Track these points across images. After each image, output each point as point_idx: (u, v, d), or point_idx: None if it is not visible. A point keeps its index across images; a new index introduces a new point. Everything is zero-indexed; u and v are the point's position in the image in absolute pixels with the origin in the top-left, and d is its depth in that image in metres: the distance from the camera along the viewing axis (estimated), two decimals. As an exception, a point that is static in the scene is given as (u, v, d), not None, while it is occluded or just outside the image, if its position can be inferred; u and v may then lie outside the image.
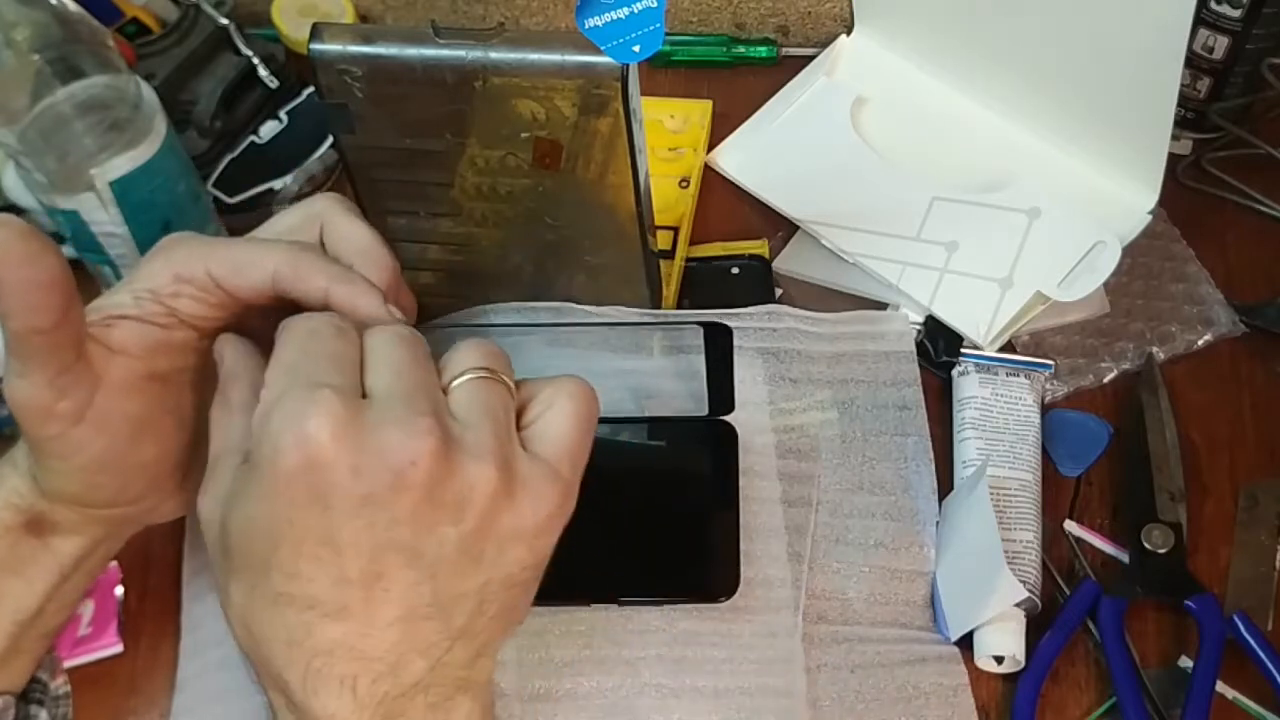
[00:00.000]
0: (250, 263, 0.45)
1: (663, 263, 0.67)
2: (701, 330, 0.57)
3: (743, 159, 0.73)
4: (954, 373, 0.63)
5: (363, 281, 0.45)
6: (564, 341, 0.62)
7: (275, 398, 0.39)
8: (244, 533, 0.39)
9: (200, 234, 0.47)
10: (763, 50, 0.79)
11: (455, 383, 0.42)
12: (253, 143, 0.74)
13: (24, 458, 0.47)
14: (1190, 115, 0.72)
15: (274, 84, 0.75)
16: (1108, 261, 0.63)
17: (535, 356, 0.62)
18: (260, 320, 0.46)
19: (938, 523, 0.59)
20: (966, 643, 0.55)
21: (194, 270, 0.45)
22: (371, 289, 0.45)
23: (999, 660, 0.55)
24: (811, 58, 0.77)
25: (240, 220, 0.69)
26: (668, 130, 0.74)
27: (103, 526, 0.49)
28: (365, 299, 0.45)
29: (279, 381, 0.40)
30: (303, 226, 0.47)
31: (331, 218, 0.48)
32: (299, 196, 0.72)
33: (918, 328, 0.65)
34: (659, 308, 0.64)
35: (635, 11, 0.48)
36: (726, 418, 0.58)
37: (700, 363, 0.56)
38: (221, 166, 0.73)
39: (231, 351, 0.45)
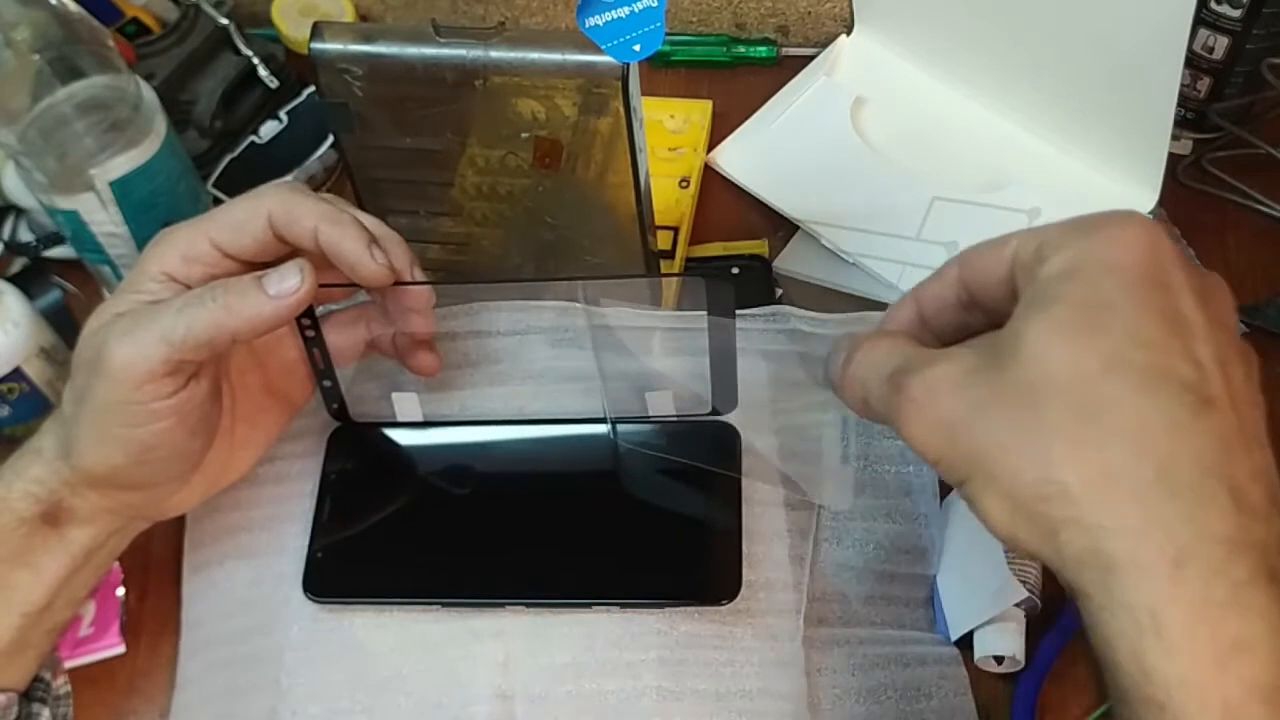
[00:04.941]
0: (246, 219, 0.48)
1: (663, 263, 0.67)
2: (704, 284, 0.54)
3: (743, 159, 0.73)
4: (954, 373, 0.63)
5: (353, 224, 0.48)
6: (567, 341, 0.62)
7: (1068, 225, 0.41)
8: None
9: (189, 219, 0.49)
10: (763, 50, 0.79)
11: None
12: (253, 143, 0.74)
13: (53, 443, 0.48)
14: (1190, 115, 0.72)
15: (274, 84, 0.75)
16: (1108, 262, 0.63)
17: (537, 358, 0.62)
18: None
19: (938, 524, 0.58)
20: (966, 643, 0.55)
21: (198, 247, 0.47)
22: (360, 231, 0.48)
23: (999, 660, 0.55)
24: (811, 58, 0.77)
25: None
26: (668, 130, 0.74)
27: (117, 516, 0.50)
28: (351, 242, 0.48)
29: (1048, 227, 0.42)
30: (249, 220, 0.48)
31: (290, 211, 0.48)
32: (299, 196, 0.72)
33: (918, 328, 0.65)
34: (659, 308, 0.64)
35: (636, 11, 0.48)
36: (729, 419, 0.58)
37: (704, 365, 0.56)
38: (221, 166, 0.73)
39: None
